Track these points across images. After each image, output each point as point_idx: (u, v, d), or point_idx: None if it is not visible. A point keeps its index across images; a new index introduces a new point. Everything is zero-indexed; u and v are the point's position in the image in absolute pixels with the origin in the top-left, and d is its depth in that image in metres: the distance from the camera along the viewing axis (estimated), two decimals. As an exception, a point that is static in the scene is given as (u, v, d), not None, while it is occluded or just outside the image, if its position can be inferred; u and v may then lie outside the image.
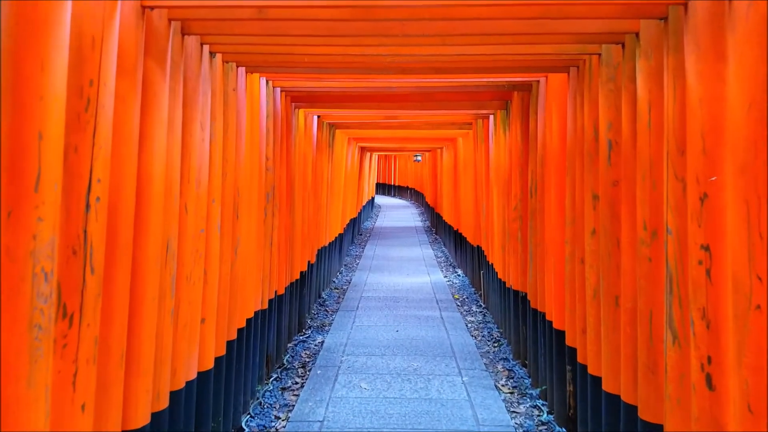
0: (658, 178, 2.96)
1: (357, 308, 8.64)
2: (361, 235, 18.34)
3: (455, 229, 12.80)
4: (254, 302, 4.93)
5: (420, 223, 21.97)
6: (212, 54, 3.74)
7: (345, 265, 12.81)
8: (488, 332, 7.38)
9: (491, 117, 7.69)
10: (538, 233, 5.12)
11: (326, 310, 8.56)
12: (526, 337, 5.74)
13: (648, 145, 3.02)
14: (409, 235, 18.60)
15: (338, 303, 9.12)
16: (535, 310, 5.29)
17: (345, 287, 10.41)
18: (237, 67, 4.18)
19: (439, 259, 13.79)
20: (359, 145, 15.45)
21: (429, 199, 21.12)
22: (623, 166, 3.34)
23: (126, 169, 2.63)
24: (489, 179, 7.98)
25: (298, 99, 6.22)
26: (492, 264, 7.85)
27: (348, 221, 13.97)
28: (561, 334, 4.51)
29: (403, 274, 11.68)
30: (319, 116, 8.04)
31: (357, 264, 13.03)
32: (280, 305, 5.95)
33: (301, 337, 7.05)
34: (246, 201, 4.53)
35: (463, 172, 11.30)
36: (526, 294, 5.73)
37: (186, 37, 3.24)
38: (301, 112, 6.89)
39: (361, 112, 7.28)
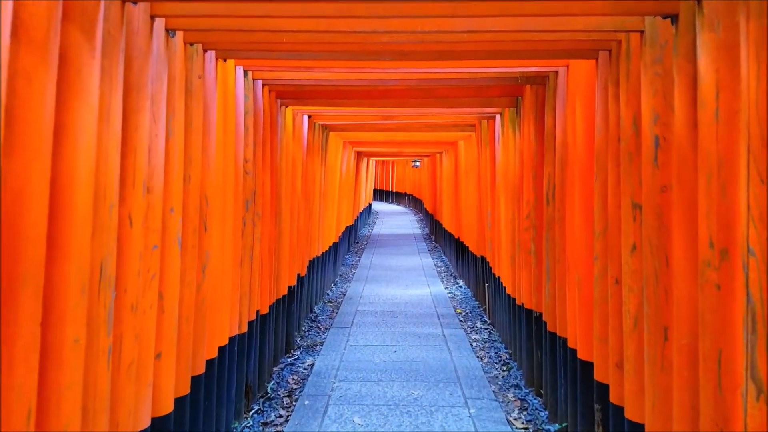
0: (730, 182, 2.30)
1: (352, 324, 7.96)
2: (357, 243, 17.67)
3: (456, 237, 12.13)
4: (229, 326, 4.26)
5: (418, 231, 21.30)
6: (170, 32, 3.08)
7: (340, 275, 12.14)
8: (495, 353, 6.70)
9: (497, 117, 7.04)
10: (556, 246, 4.46)
11: (318, 327, 7.88)
12: (542, 363, 5.07)
13: (715, 141, 2.36)
14: (407, 242, 17.93)
15: (332, 318, 8.44)
16: (553, 334, 4.63)
17: (339, 300, 9.73)
18: (204, 50, 3.53)
19: (439, 269, 13.13)
20: (355, 149, 14.80)
21: (428, 206, 20.46)
22: (676, 168, 2.68)
23: (33, 168, 1.96)
24: (495, 185, 7.33)
25: (284, 95, 5.57)
26: (499, 277, 7.18)
27: (344, 229, 13.30)
28: (587, 366, 3.84)
29: (401, 285, 11.01)
30: (309, 116, 7.39)
31: (353, 274, 12.36)
32: (262, 326, 5.28)
33: (288, 360, 6.37)
34: (218, 210, 3.87)
35: (465, 178, 10.65)
36: (540, 314, 5.06)
37: (128, 4, 2.58)
38: (289, 111, 6.24)
39: (355, 111, 6.62)
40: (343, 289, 10.69)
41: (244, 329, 4.65)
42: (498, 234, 7.13)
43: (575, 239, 4.03)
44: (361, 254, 15.43)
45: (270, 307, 5.57)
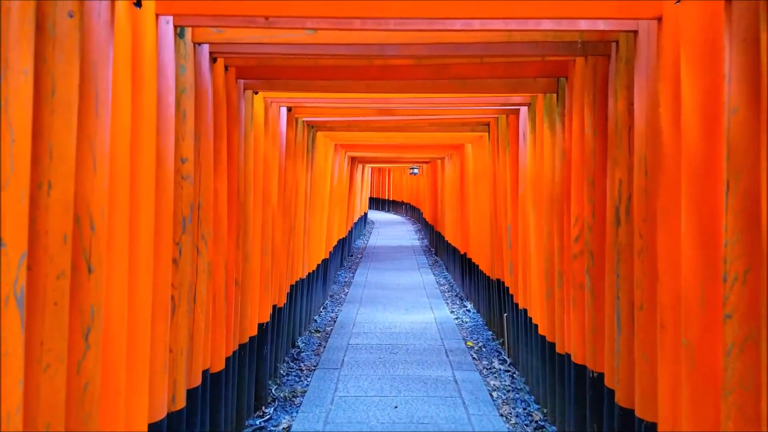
0: None
1: (342, 364, 6.52)
2: (351, 256, 16.24)
3: (462, 253, 10.72)
4: (150, 409, 2.82)
5: (417, 242, 19.88)
6: None
7: (331, 296, 10.70)
8: (524, 409, 5.27)
9: (522, 111, 5.65)
10: (638, 286, 3.03)
11: (300, 368, 6.44)
12: (602, 444, 3.64)
13: None
14: (405, 256, 16.50)
15: (318, 355, 6.99)
16: (628, 412, 3.20)
17: (329, 328, 8.29)
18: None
19: (442, 287, 11.70)
20: (349, 154, 13.40)
21: (427, 216, 19.05)
22: None
23: None
24: (518, 195, 5.93)
25: (247, 73, 4.14)
26: (525, 309, 5.76)
27: (336, 243, 11.87)
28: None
29: (400, 308, 9.57)
30: (289, 109, 5.97)
31: (345, 294, 10.92)
32: (214, 389, 3.83)
33: (258, 422, 4.92)
34: (118, 236, 2.44)
35: (474, 186, 9.24)
36: (602, 376, 3.64)
37: None
38: (259, 99, 4.82)
39: (344, 101, 5.20)
40: (333, 314, 9.25)
41: (181, 404, 3.21)
42: (524, 256, 5.72)
43: (675, 278, 2.61)
44: (356, 269, 14.00)
45: (229, 359, 4.13)
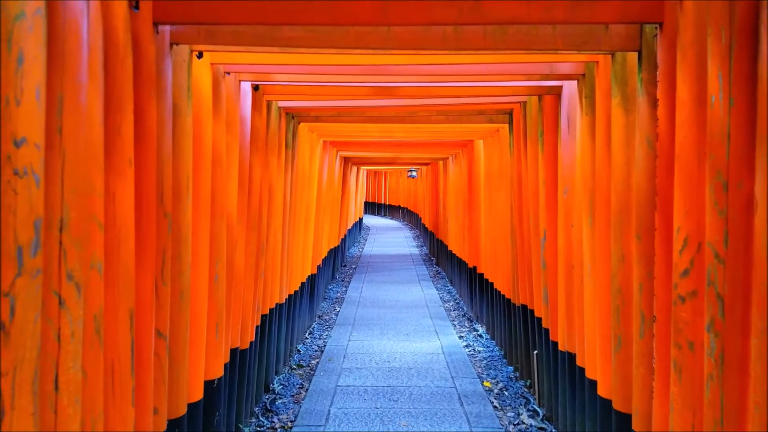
0: None
1: (327, 419, 5.06)
2: (344, 266, 14.79)
3: (471, 266, 9.27)
4: None
5: (416, 250, 18.43)
6: None
7: (319, 316, 9.24)
8: (575, 496, 3.83)
9: (568, 87, 4.23)
10: None
11: (273, 426, 4.98)
12: None
13: None
14: (404, 266, 15.05)
15: (298, 403, 5.53)
16: None
17: (314, 362, 6.83)
18: None
19: (446, 305, 10.26)
20: (341, 154, 11.96)
21: (427, 222, 17.61)
22: None
23: None
24: (561, 199, 4.51)
25: (172, 14, 2.67)
26: (570, 354, 4.32)
27: (326, 254, 10.43)
28: None
29: (400, 333, 8.12)
30: (256, 87, 4.52)
31: (336, 314, 9.46)
32: None
33: None
34: None
35: (488, 189, 7.81)
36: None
37: None
38: (205, 65, 3.38)
39: (324, 69, 3.73)
40: (321, 341, 7.79)
41: None
42: (569, 282, 4.28)
43: None
44: (349, 282, 12.55)
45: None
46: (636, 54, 3.00)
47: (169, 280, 2.90)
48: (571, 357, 4.28)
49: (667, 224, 2.71)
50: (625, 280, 3.25)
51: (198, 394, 3.48)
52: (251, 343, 4.75)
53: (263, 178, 4.92)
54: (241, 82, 4.12)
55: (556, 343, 4.71)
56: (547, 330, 4.95)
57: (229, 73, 3.86)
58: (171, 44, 2.87)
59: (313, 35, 2.84)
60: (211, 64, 3.48)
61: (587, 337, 3.88)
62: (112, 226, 2.38)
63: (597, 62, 3.51)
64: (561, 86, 4.38)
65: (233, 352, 4.22)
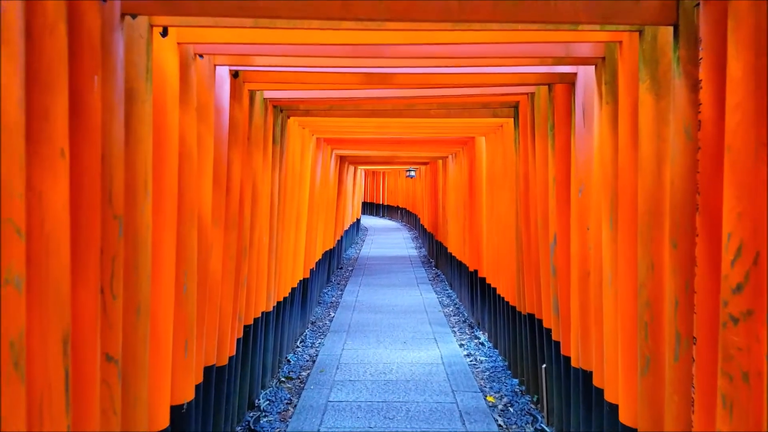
0: None
1: (316, 439, 4.62)
2: (341, 269, 14.34)
3: (472, 270, 8.83)
4: None
5: (414, 251, 17.98)
6: None
7: (312, 323, 8.79)
8: None
9: (583, 74, 3.80)
10: None
11: (256, 448, 4.53)
12: None
13: None
14: (402, 268, 14.61)
15: (284, 422, 5.07)
16: None
17: (305, 373, 6.39)
18: None
19: (446, 309, 9.81)
20: (337, 152, 11.51)
21: (426, 223, 17.16)
22: None
23: None
24: (575, 199, 4.07)
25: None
26: (584, 371, 3.87)
27: (320, 256, 9.98)
28: None
29: (398, 341, 7.67)
30: (236, 74, 4.07)
31: (330, 319, 9.01)
32: None
33: None
34: None
35: (490, 189, 7.37)
36: None
37: None
38: (170, 44, 2.94)
39: (308, 51, 3.28)
40: (313, 350, 7.34)
41: None
42: (583, 291, 3.83)
43: None
44: (345, 285, 12.10)
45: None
46: (671, 29, 2.55)
47: (120, 293, 2.45)
48: (587, 375, 3.83)
49: (712, 229, 2.26)
50: (655, 292, 2.80)
51: (163, 422, 3.03)
52: (231, 358, 4.30)
53: (245, 176, 4.48)
54: (217, 67, 3.67)
55: (568, 359, 4.26)
56: (557, 343, 4.51)
57: (201, 55, 3.41)
58: (123, 15, 2.42)
59: (291, 4, 2.39)
60: (179, 43, 3.04)
61: (607, 354, 3.43)
62: (37, 232, 1.93)
63: (620, 42, 3.07)
64: (574, 74, 3.94)
65: (208, 370, 3.77)
